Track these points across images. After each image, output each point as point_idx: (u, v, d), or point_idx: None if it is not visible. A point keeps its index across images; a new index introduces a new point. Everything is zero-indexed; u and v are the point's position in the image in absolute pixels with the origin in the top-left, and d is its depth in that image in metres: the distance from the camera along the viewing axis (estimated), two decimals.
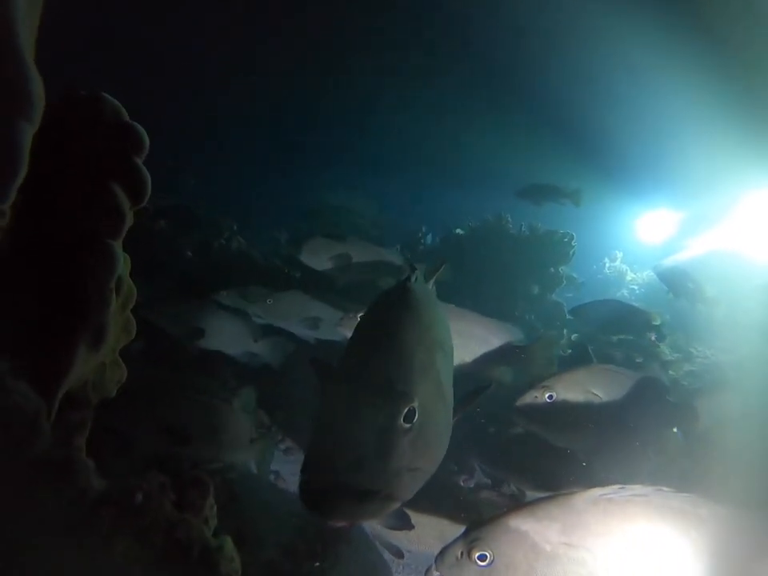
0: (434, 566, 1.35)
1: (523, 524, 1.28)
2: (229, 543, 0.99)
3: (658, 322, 4.53)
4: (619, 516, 1.28)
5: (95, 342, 1.27)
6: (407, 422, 1.11)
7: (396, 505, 1.08)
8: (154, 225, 4.88)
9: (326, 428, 1.10)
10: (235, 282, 4.19)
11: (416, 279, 1.70)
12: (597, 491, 1.34)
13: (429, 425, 1.17)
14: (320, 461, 1.05)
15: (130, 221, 1.33)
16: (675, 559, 1.26)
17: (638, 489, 1.35)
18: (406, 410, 1.10)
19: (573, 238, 5.93)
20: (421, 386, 1.19)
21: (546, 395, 2.47)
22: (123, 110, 1.34)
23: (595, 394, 2.59)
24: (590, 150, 7.69)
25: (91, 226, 1.23)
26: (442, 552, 1.36)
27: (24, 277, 1.17)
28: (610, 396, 2.61)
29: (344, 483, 1.01)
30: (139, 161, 1.35)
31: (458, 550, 1.33)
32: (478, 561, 1.28)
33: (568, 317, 5.30)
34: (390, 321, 1.40)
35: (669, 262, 5.27)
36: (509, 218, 6.00)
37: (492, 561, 1.27)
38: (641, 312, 4.51)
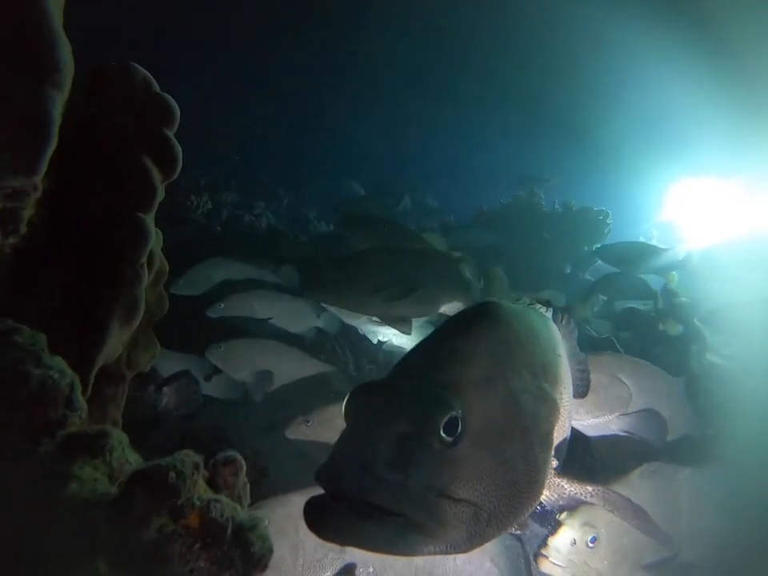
0: None
1: None
2: (263, 522, 0.98)
3: (681, 258, 4.51)
4: None
5: (128, 316, 1.27)
6: (447, 435, 0.87)
7: (428, 542, 0.83)
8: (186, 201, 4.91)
9: (348, 428, 0.92)
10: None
11: (529, 304, 1.47)
12: None
13: (487, 450, 0.92)
14: (323, 471, 0.85)
15: (161, 194, 1.31)
16: None
17: None
18: (445, 418, 0.87)
19: (608, 216, 5.75)
20: (478, 398, 0.95)
21: None
22: (154, 81, 1.31)
23: (622, 382, 2.45)
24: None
25: (123, 199, 1.21)
26: None
27: (58, 252, 1.16)
28: (640, 390, 2.41)
29: (345, 497, 0.80)
30: (170, 133, 1.32)
31: None
32: None
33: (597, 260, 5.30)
34: (454, 329, 1.16)
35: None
36: (542, 195, 5.86)
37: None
38: (664, 251, 4.54)
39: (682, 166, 7.05)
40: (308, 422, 2.49)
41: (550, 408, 1.08)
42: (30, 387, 0.88)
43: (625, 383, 2.40)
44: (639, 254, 4.62)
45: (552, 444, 1.08)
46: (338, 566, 1.73)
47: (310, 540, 1.70)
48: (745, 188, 5.65)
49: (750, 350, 3.56)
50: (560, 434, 1.18)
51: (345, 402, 0.96)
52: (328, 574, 1.71)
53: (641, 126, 7.52)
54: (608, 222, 5.72)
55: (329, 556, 1.72)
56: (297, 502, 1.76)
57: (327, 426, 2.45)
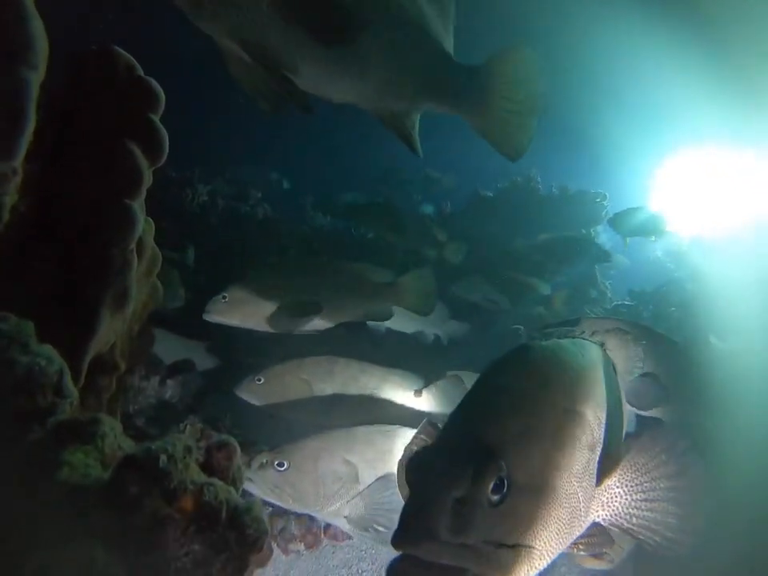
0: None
1: None
2: (257, 504, 0.98)
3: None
4: None
5: (119, 304, 1.26)
6: (495, 494, 0.99)
7: None
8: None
9: (411, 497, 1.03)
10: (263, 251, 4.22)
11: (562, 335, 1.56)
12: None
13: (531, 495, 1.04)
14: (398, 538, 0.96)
15: (148, 181, 1.29)
16: None
17: None
18: (492, 482, 0.98)
19: (605, 198, 5.72)
20: (519, 452, 1.05)
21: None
22: (137, 65, 1.29)
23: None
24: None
25: (109, 185, 1.19)
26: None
27: (44, 239, 1.15)
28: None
29: (415, 556, 0.93)
30: (156, 118, 1.30)
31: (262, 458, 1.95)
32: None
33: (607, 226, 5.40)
34: (489, 385, 1.27)
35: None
36: (538, 179, 5.82)
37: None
38: (659, 218, 4.90)
39: (671, 143, 6.81)
40: (259, 379, 2.52)
41: (585, 440, 1.18)
42: (16, 375, 0.87)
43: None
44: (650, 219, 4.82)
45: (591, 471, 1.19)
46: (353, 493, 2.02)
47: (328, 475, 2.03)
48: (749, 161, 5.48)
49: (750, 333, 3.51)
50: (597, 456, 1.25)
51: (404, 470, 1.07)
52: (344, 500, 2.00)
53: (624, 103, 7.27)
54: (605, 204, 5.69)
55: (344, 487, 2.00)
56: (312, 446, 2.07)
57: (277, 381, 2.49)
